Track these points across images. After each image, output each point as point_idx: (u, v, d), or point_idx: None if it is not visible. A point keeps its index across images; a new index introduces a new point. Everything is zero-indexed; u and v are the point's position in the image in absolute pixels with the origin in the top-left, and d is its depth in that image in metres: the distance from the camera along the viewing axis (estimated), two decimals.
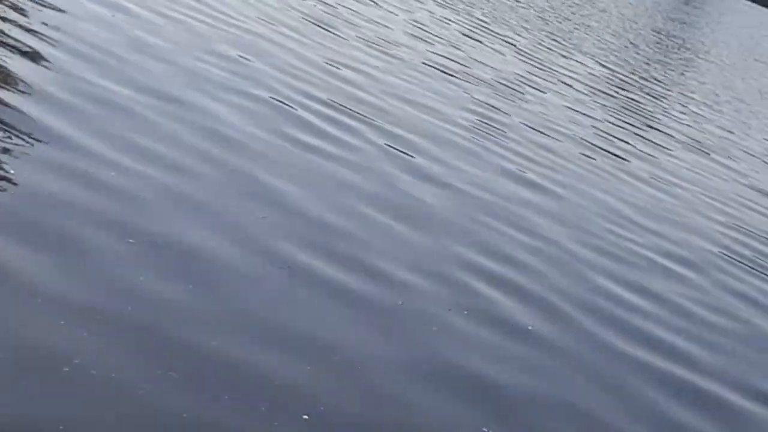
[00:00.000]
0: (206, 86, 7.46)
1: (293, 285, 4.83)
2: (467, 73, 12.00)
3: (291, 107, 7.77)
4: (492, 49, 14.79)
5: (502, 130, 9.75)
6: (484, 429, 4.22)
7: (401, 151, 7.76)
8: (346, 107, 8.42)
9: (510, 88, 12.15)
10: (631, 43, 24.55)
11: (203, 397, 3.70)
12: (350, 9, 13.63)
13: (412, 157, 7.72)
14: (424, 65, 11.53)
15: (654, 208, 9.00)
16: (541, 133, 10.33)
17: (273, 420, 3.72)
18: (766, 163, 14.18)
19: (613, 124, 12.45)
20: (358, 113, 8.39)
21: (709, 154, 12.96)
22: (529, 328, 5.36)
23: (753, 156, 14.31)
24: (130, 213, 4.92)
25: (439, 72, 11.45)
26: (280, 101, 7.82)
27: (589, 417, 4.65)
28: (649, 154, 11.39)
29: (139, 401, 3.53)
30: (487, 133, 9.42)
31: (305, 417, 3.81)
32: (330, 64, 9.76)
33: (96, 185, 5.06)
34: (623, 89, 15.85)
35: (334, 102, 8.43)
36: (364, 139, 7.70)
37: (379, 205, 6.37)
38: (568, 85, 14.10)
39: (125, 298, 4.15)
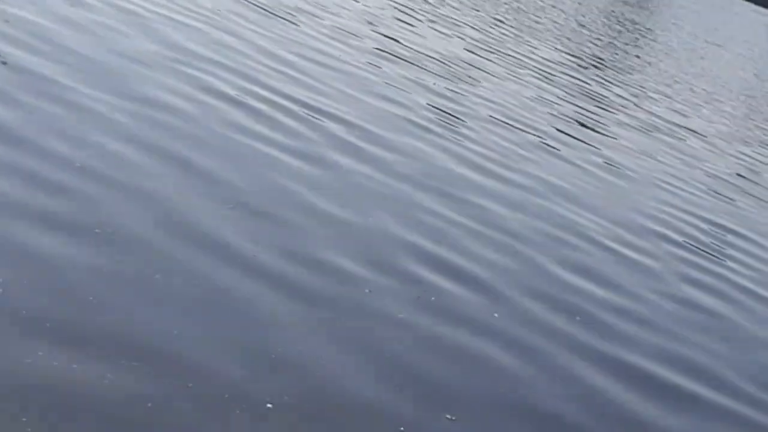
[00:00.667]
0: (155, 77, 7.37)
1: (230, 277, 4.78)
2: (418, 60, 11.97)
3: (241, 98, 7.70)
4: (442, 35, 14.77)
5: (454, 117, 9.74)
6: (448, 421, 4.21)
7: (351, 142, 7.72)
8: (295, 96, 8.36)
9: (462, 74, 12.14)
10: (582, 26, 24.64)
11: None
12: None
13: (361, 146, 7.68)
14: (376, 53, 11.49)
15: (604, 193, 9.03)
16: (493, 118, 10.33)
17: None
18: (715, 145, 14.30)
19: (564, 108, 12.48)
20: (309, 103, 8.33)
21: (661, 137, 13.03)
22: (484, 317, 5.36)
23: (704, 138, 14.42)
24: (71, 207, 4.85)
25: (390, 59, 11.41)
26: (229, 91, 7.74)
27: (536, 408, 4.65)
28: (600, 139, 11.43)
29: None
30: (438, 120, 9.40)
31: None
32: (281, 52, 9.69)
33: (29, 177, 4.99)
34: (575, 73, 15.90)
35: (284, 91, 8.37)
36: (314, 128, 7.65)
37: (326, 196, 6.33)
38: (520, 69, 14.11)
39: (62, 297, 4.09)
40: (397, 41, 12.70)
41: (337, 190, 6.48)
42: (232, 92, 7.76)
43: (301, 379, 4.15)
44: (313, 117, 7.93)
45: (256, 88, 8.11)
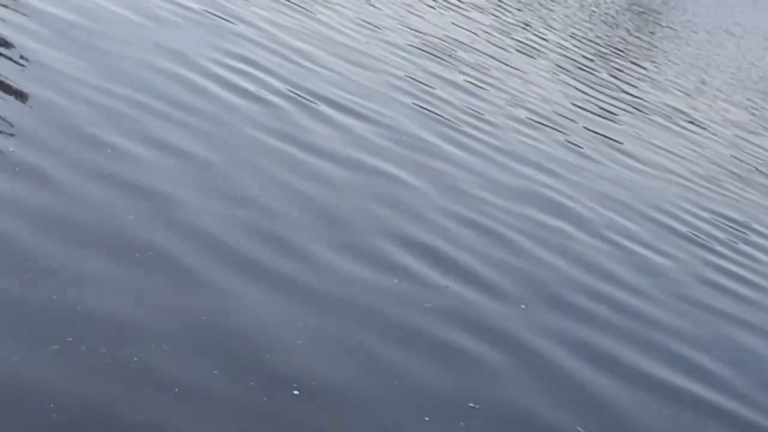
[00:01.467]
0: (171, 70, 7.37)
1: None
2: (435, 48, 11.95)
3: (257, 92, 7.70)
4: (459, 22, 14.73)
5: (473, 110, 9.72)
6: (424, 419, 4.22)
7: (357, 137, 7.71)
8: (315, 90, 8.35)
9: (478, 63, 12.10)
10: (596, 13, 24.55)
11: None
12: None
13: (378, 142, 7.68)
14: (396, 43, 11.46)
15: (619, 187, 9.00)
16: (510, 110, 10.30)
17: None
18: (731, 137, 14.23)
19: (582, 101, 12.43)
20: (328, 97, 8.32)
21: (677, 129, 12.97)
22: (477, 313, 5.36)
23: (720, 130, 14.35)
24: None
25: (402, 47, 11.39)
26: (245, 84, 7.75)
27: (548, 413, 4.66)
28: (615, 130, 11.38)
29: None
30: (457, 113, 9.38)
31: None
32: (301, 44, 9.68)
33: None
34: (590, 62, 15.83)
35: (304, 84, 8.36)
36: (332, 123, 7.65)
37: (343, 196, 6.33)
38: (536, 59, 14.06)
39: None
40: (416, 30, 12.67)
41: (353, 189, 6.48)
42: (249, 85, 7.75)
43: (313, 374, 4.17)
44: (330, 111, 7.93)
45: (274, 81, 8.10)
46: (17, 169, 4.90)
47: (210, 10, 9.55)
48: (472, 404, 4.35)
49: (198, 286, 4.51)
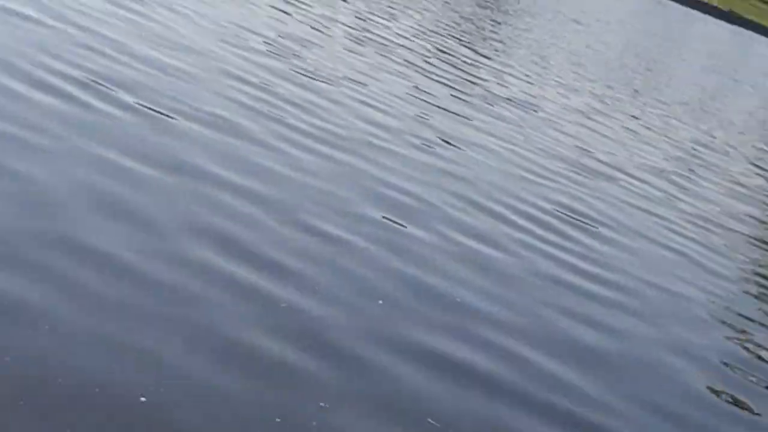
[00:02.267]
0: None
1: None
2: (275, 47, 11.74)
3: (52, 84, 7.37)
4: (299, 17, 14.54)
5: (308, 106, 9.55)
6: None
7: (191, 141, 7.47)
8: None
9: (320, 60, 11.95)
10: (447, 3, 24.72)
11: None
12: None
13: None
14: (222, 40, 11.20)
15: (456, 177, 8.99)
16: (354, 105, 10.19)
17: None
18: (573, 123, 14.46)
19: (424, 91, 12.41)
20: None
21: (517, 119, 13.08)
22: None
23: (563, 117, 14.57)
24: None
25: (244, 47, 11.14)
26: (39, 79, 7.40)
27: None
28: (459, 122, 11.39)
29: None
30: (290, 109, 9.21)
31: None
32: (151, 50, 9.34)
33: None
34: (444, 52, 15.86)
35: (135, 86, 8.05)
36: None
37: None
38: (385, 59, 13.99)
39: None
40: (256, 29, 12.42)
41: (176, 194, 6.23)
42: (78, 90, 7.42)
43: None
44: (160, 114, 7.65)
45: (110, 89, 7.77)
46: None
47: (33, 8, 9.10)
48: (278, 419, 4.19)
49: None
